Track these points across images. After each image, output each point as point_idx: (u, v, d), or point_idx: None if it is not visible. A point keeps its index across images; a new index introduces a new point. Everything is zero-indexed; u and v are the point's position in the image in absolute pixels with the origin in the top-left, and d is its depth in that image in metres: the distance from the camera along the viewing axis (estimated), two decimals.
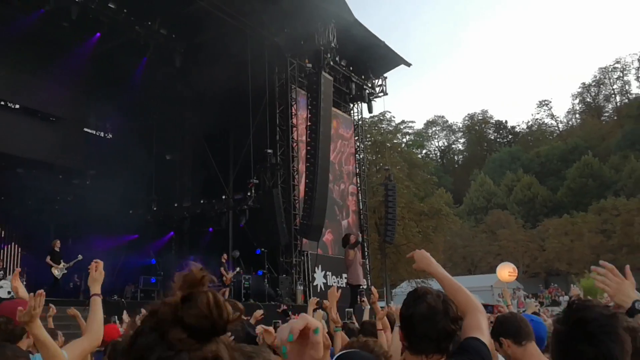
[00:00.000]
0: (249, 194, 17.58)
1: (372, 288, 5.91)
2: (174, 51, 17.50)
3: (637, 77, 69.69)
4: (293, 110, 18.49)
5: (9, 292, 12.49)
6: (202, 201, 19.23)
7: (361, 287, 14.95)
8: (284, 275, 17.01)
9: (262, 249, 16.77)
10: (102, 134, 21.15)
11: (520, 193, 57.39)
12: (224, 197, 18.91)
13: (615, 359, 1.61)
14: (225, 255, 15.92)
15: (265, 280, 16.20)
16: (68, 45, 16.45)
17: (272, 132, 17.96)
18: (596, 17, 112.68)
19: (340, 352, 2.18)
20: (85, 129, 20.09)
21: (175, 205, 19.80)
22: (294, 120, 18.47)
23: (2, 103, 16.71)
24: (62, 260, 13.85)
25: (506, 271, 20.82)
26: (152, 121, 20.07)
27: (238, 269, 16.41)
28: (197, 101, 19.37)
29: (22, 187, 17.41)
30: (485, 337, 2.13)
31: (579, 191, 53.99)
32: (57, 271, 13.65)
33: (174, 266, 17.13)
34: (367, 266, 21.58)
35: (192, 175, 20.33)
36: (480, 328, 2.15)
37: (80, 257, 13.65)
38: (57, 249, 14.03)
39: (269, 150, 17.48)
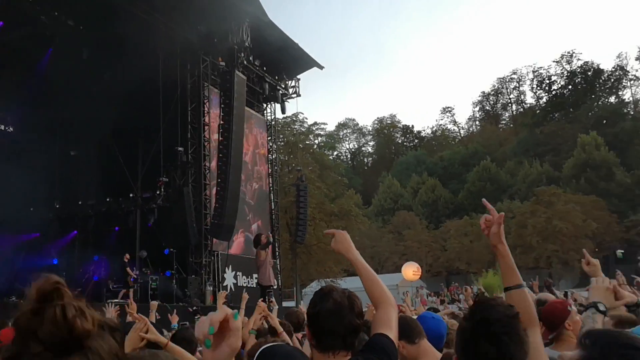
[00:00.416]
0: (158, 192, 17.14)
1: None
2: (82, 43, 16.73)
3: (532, 87, 74.99)
4: (205, 108, 18.25)
5: None
6: (108, 199, 18.49)
7: (271, 287, 15.05)
8: (193, 276, 16.74)
9: (171, 249, 16.39)
10: (2, 127, 19.69)
11: (425, 195, 59.88)
12: (131, 195, 18.31)
13: (514, 359, 1.67)
14: (127, 255, 15.46)
15: (174, 281, 15.85)
16: None
17: (183, 130, 17.62)
18: (495, 30, 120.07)
19: (266, 346, 2.26)
20: None
21: (80, 203, 18.90)
22: (206, 119, 18.23)
23: None
24: None
25: (410, 270, 21.65)
26: (57, 115, 18.99)
27: (143, 269, 15.98)
28: (105, 96, 18.52)
29: None
30: (394, 333, 2.17)
31: (478, 194, 57.08)
32: None
33: (78, 266, 16.38)
34: (278, 266, 21.71)
35: (98, 173, 19.47)
36: (390, 324, 2.19)
37: None
38: None
39: (180, 148, 17.14)
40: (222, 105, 17.01)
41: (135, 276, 14.88)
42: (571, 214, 43.78)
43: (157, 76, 16.97)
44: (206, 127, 18.13)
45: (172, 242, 16.61)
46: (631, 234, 45.78)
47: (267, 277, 14.60)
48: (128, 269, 14.91)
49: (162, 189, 16.94)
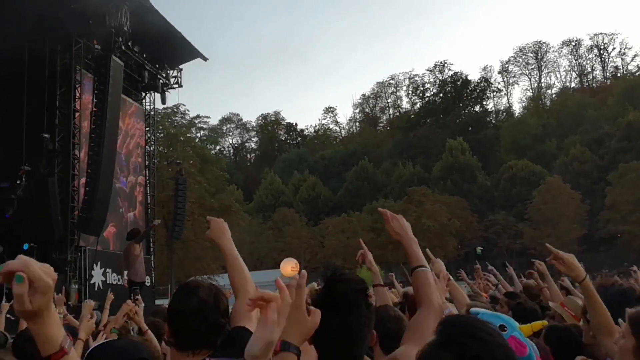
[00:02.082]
0: (18, 182, 15.67)
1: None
2: None
3: (407, 93, 79.29)
4: (77, 94, 17.04)
5: None
6: None
7: (144, 284, 14.39)
8: (57, 273, 15.50)
9: (32, 244, 15.09)
10: None
11: (306, 192, 60.89)
12: None
13: (354, 330, 1.76)
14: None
15: None
16: None
17: (50, 115, 16.31)
18: (376, 34, 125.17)
19: (94, 346, 2.14)
20: None
21: None
22: (77, 105, 17.04)
23: None
24: None
25: (289, 266, 21.74)
26: None
27: None
28: None
29: None
30: (253, 322, 2.11)
31: (355, 192, 59.23)
32: None
33: None
34: (152, 263, 20.88)
35: None
36: (250, 316, 2.13)
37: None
38: None
39: (46, 135, 15.83)
40: (96, 92, 15.98)
41: None
42: (438, 213, 46.88)
43: (22, 54, 15.53)
44: (77, 114, 16.96)
45: (33, 236, 15.29)
46: (489, 232, 50.06)
47: (142, 272, 13.94)
48: None
49: (24, 179, 15.52)
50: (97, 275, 17.07)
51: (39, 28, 15.91)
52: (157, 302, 20.95)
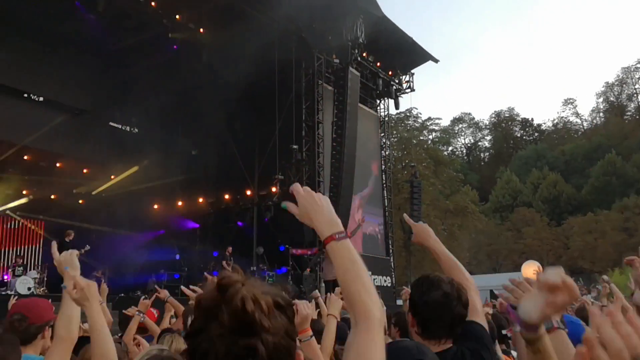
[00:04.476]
0: (274, 189, 17.48)
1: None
2: (201, 46, 17.41)
3: None
4: (319, 106, 18.31)
5: (28, 289, 12.57)
6: (226, 197, 19.21)
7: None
8: (308, 272, 16.89)
9: (287, 246, 16.66)
10: (127, 129, 21.03)
11: (546, 191, 56.61)
12: (248, 192, 18.85)
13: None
14: (230, 249, 15.96)
15: (289, 277, 16.09)
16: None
17: (298, 128, 17.81)
18: (620, 18, 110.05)
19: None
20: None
21: (200, 200, 19.83)
22: (320, 116, 18.30)
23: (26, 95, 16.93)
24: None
25: (531, 269, 20.44)
26: (178, 116, 20.00)
27: (260, 265, 16.42)
28: (222, 95, 19.22)
29: None
30: (481, 318, 2.26)
31: (602, 189, 53.14)
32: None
33: (198, 262, 17.15)
34: (392, 264, 21.41)
35: (217, 171, 20.26)
36: (477, 309, 2.25)
37: (87, 247, 13.13)
38: (67, 240, 13.56)
39: (295, 146, 17.34)
40: (336, 103, 16.97)
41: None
42: None
43: (273, 76, 17.26)
44: (320, 125, 18.19)
45: (287, 239, 16.87)
46: None
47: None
48: (225, 262, 15.28)
49: (278, 186, 17.25)
50: None
51: (286, 50, 17.46)
52: (398, 302, 21.38)
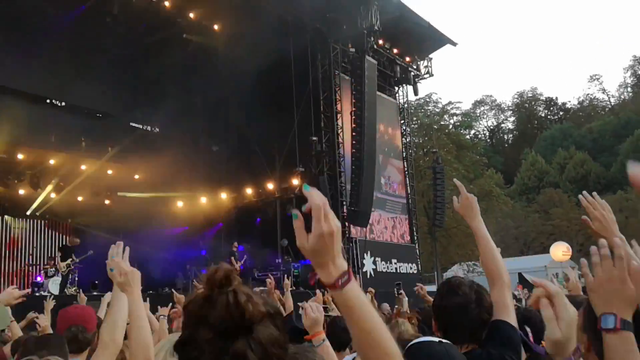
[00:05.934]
0: (296, 182, 17.54)
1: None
2: (216, 40, 17.47)
3: None
4: (337, 96, 18.26)
5: (62, 289, 12.91)
6: (248, 191, 19.33)
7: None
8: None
9: None
10: (148, 128, 21.15)
11: (573, 170, 55.58)
12: (270, 185, 18.94)
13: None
14: (235, 244, 16.01)
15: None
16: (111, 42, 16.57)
17: (316, 119, 17.80)
18: None
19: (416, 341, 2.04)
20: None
21: (223, 196, 19.97)
22: (339, 107, 18.25)
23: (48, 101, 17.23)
24: (73, 255, 13.75)
25: (560, 251, 20.42)
26: (198, 113, 20.12)
27: (285, 257, 16.53)
28: (239, 90, 19.27)
29: None
30: (511, 315, 2.17)
31: None
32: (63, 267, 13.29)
33: (224, 257, 17.33)
34: (417, 250, 21.34)
35: (238, 166, 20.34)
36: (506, 305, 2.19)
37: (91, 252, 13.42)
38: (69, 245, 14.13)
39: (314, 138, 17.34)
40: (354, 92, 16.92)
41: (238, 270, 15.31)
42: None
43: (289, 68, 17.25)
44: (338, 115, 18.15)
45: (311, 230, 16.88)
46: None
47: None
48: (232, 258, 15.40)
49: (300, 179, 17.30)
50: (368, 264, 18.10)
51: (301, 42, 17.42)
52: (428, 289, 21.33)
